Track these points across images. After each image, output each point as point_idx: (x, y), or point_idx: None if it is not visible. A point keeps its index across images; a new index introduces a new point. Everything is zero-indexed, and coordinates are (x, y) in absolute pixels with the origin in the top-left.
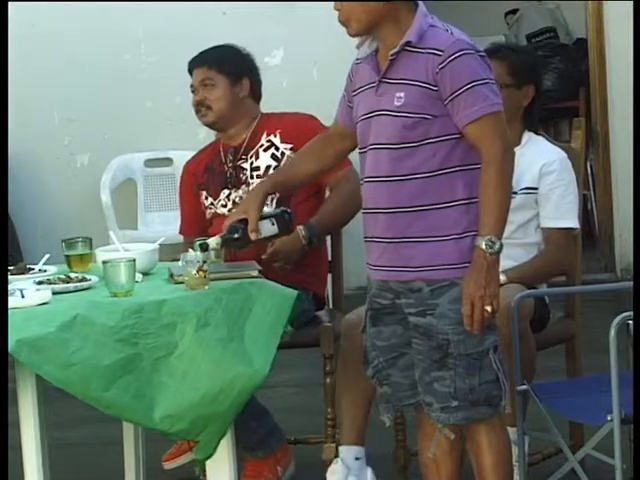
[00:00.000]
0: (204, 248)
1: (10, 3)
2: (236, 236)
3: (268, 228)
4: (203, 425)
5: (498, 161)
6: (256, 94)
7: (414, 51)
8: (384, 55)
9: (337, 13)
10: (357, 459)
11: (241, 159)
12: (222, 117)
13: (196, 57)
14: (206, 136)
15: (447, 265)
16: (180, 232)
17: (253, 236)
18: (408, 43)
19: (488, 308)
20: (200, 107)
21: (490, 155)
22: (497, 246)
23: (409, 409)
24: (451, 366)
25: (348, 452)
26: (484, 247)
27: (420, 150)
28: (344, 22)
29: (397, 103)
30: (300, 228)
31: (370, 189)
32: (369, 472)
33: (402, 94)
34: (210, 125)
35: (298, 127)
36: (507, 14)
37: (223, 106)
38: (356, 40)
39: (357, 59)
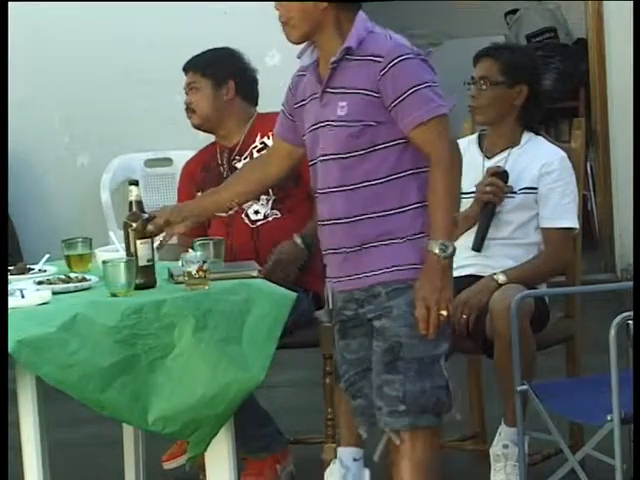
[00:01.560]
0: (134, 183)
1: (10, 4)
2: (145, 216)
3: (147, 254)
4: (195, 427)
5: (445, 163)
6: (248, 94)
7: (354, 59)
8: (325, 64)
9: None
10: (355, 460)
11: (235, 160)
12: (206, 120)
13: (187, 62)
14: (206, 136)
15: (405, 266)
16: None
17: (149, 228)
18: (348, 50)
19: (444, 312)
20: (187, 110)
21: (437, 158)
22: (450, 250)
23: None
24: (401, 370)
25: (346, 453)
26: (437, 251)
27: (369, 157)
28: (283, 25)
29: (340, 113)
30: (295, 237)
31: (324, 200)
32: (366, 473)
33: (345, 103)
34: (197, 128)
35: None
36: (507, 14)
37: (206, 109)
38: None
39: (298, 72)
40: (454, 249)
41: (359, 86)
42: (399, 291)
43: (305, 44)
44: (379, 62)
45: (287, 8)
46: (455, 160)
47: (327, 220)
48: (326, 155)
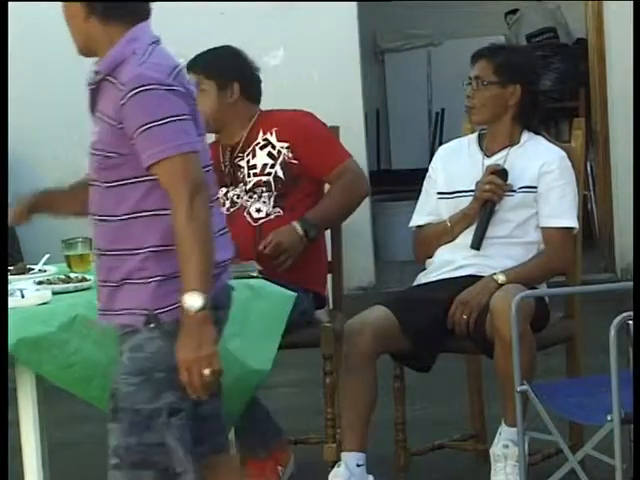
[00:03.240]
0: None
1: (10, 3)
2: None
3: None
4: None
5: (185, 207)
6: (252, 95)
7: (110, 82)
8: None
9: None
10: (359, 466)
11: (238, 157)
12: (211, 122)
13: (190, 60)
14: (206, 136)
15: (133, 310)
16: None
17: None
18: (98, 73)
19: (206, 371)
20: None
21: (174, 201)
22: (200, 302)
23: None
24: (119, 419)
25: (350, 458)
26: (187, 306)
27: (114, 191)
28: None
29: (93, 139)
30: (294, 223)
31: (91, 225)
32: (370, 479)
33: (97, 129)
34: None
35: (294, 124)
36: (507, 14)
37: (211, 112)
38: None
39: None
40: (207, 300)
41: (107, 113)
42: (126, 336)
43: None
44: (121, 90)
45: (65, 21)
46: (197, 203)
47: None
48: (90, 179)
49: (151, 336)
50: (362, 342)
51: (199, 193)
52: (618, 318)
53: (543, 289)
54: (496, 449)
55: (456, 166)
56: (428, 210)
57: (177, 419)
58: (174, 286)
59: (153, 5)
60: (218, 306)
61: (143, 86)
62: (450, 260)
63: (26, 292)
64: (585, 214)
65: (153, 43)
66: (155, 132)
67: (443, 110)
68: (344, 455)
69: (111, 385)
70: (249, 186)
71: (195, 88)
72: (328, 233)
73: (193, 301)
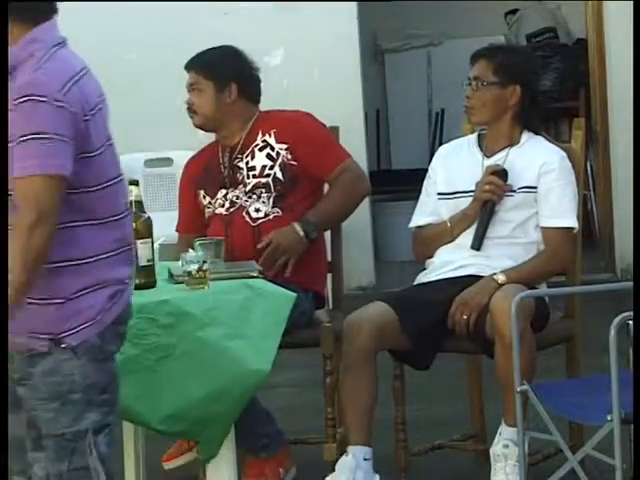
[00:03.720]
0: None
1: None
2: (145, 216)
3: (147, 254)
4: (203, 425)
5: (23, 232)
6: (250, 95)
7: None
8: None
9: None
10: (365, 460)
11: (237, 158)
12: (208, 122)
13: (189, 60)
14: (206, 136)
15: (36, 333)
16: (177, 229)
17: None
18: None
19: None
20: (189, 110)
21: (18, 222)
22: None
23: None
24: (44, 447)
25: (357, 451)
26: None
27: (9, 201)
28: None
29: None
30: (295, 224)
31: None
32: (377, 478)
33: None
34: (199, 128)
35: (293, 126)
36: (507, 14)
37: (208, 112)
38: (353, 40)
39: None
40: None
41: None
42: (34, 358)
43: None
44: (13, 95)
45: None
46: (38, 233)
47: None
48: None
49: (63, 358)
50: (361, 338)
51: (42, 225)
52: (618, 318)
53: (543, 289)
54: (496, 449)
55: (456, 166)
56: (428, 210)
57: (104, 436)
58: (77, 306)
59: (155, 5)
60: (121, 321)
61: (32, 95)
62: (450, 260)
63: None
64: (585, 214)
65: (57, 45)
66: (25, 147)
67: (443, 110)
68: (351, 448)
69: (29, 412)
70: (248, 188)
71: (102, 97)
72: (328, 233)
73: None
